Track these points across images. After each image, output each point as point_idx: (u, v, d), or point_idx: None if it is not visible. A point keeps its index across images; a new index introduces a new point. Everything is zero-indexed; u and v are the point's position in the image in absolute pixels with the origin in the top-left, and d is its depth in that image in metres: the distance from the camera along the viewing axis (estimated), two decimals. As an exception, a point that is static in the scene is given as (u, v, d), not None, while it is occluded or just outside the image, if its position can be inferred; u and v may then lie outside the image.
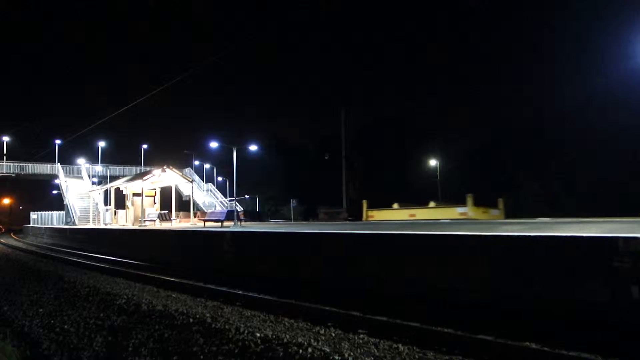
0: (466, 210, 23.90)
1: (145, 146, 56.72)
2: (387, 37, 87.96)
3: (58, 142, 49.92)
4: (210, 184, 52.58)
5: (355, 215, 31.48)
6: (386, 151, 52.42)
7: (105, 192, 35.87)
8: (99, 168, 50.92)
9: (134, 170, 52.43)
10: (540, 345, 5.38)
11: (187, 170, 51.94)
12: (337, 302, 7.76)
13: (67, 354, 7.28)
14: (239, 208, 35.06)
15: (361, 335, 5.98)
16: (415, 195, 37.00)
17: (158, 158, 54.40)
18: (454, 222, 17.37)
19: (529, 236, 6.85)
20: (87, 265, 15.30)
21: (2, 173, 47.99)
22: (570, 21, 52.41)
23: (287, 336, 5.81)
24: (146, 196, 29.45)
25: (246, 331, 6.08)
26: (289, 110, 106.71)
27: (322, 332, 6.27)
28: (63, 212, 45.16)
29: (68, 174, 48.48)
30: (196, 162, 56.73)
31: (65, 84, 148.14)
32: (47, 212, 49.82)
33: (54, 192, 58.10)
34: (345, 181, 35.34)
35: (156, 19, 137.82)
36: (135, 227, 25.54)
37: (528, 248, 6.69)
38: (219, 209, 41.69)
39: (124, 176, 44.56)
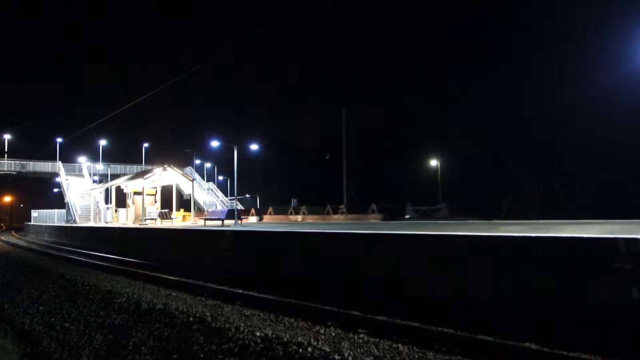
0: None
1: (146, 145, 56.84)
2: (388, 37, 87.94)
3: (59, 140, 49.99)
4: (211, 182, 52.61)
5: None
6: (386, 151, 52.42)
7: (106, 190, 35.92)
8: (100, 166, 50.96)
9: (135, 168, 52.45)
10: (540, 346, 5.38)
11: (188, 169, 51.97)
12: (338, 301, 7.76)
13: (67, 352, 7.29)
14: (240, 207, 35.06)
15: (361, 335, 5.98)
16: (416, 195, 36.93)
17: (159, 157, 54.51)
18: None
19: (530, 237, 6.85)
20: (88, 264, 15.31)
21: (3, 171, 48.04)
22: (571, 21, 52.38)
23: (287, 335, 5.81)
24: (147, 195, 29.49)
25: (246, 330, 6.08)
26: (290, 109, 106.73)
27: (322, 331, 6.27)
28: (64, 211, 45.20)
29: (69, 172, 48.54)
30: (197, 161, 56.75)
31: (65, 83, 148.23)
32: (48, 210, 49.87)
33: (55, 190, 58.14)
34: (346, 181, 35.32)
35: (156, 19, 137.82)
36: (136, 225, 25.58)
37: (528, 249, 6.69)
38: (219, 207, 41.72)
39: (125, 175, 44.61)
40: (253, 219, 32.69)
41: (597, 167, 35.77)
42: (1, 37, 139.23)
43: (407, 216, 26.32)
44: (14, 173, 48.76)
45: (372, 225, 16.31)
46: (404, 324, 6.32)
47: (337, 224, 20.54)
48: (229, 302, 8.36)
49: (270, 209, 33.01)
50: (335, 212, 27.17)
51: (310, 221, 26.29)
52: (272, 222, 27.04)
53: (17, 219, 79.28)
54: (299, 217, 28.62)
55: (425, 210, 26.86)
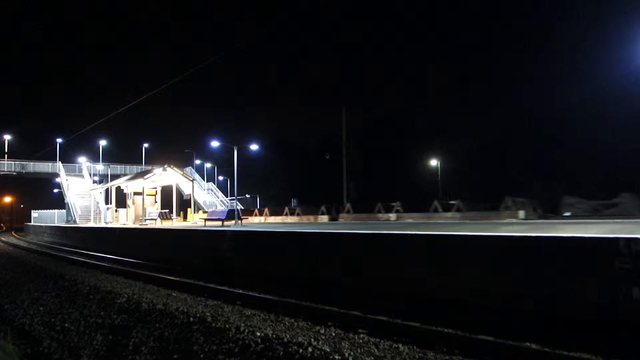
0: None
1: (146, 145, 56.85)
2: (388, 36, 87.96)
3: (59, 140, 49.98)
4: (211, 183, 52.62)
5: None
6: (386, 151, 52.43)
7: (107, 190, 35.92)
8: (100, 167, 50.97)
9: (135, 169, 52.46)
10: (541, 346, 5.38)
11: (188, 169, 51.99)
12: (338, 301, 7.76)
13: (67, 352, 7.29)
14: (240, 207, 35.00)
15: (361, 335, 5.98)
16: (417, 194, 36.94)
17: (159, 157, 54.51)
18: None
19: (530, 237, 6.85)
20: (88, 264, 15.31)
21: (4, 171, 48.05)
22: (570, 20, 52.44)
23: (288, 335, 5.81)
24: (147, 195, 29.48)
25: (246, 330, 6.08)
26: (290, 109, 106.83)
27: (322, 331, 6.27)
28: (64, 211, 45.23)
29: (69, 172, 48.55)
30: (197, 161, 56.80)
31: (65, 83, 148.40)
32: (48, 210, 49.91)
33: (55, 190, 58.14)
34: (346, 180, 35.29)
35: (156, 19, 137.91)
36: (136, 225, 25.58)
37: (529, 248, 6.68)
38: (219, 208, 41.72)
39: (125, 175, 44.62)
40: (324, 218, 27.30)
41: (598, 166, 35.81)
42: (2, 37, 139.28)
43: (566, 213, 19.69)
44: (14, 173, 48.78)
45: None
46: (404, 324, 6.31)
47: (461, 224, 14.86)
48: (229, 302, 8.36)
49: (348, 205, 27.49)
50: (446, 209, 21.80)
51: (410, 220, 21.36)
52: (351, 223, 22.01)
53: (17, 220, 79.36)
54: (392, 216, 23.58)
55: (595, 206, 20.11)
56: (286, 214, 30.87)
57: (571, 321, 5.91)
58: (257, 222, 29.23)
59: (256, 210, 34.50)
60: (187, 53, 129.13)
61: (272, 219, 30.99)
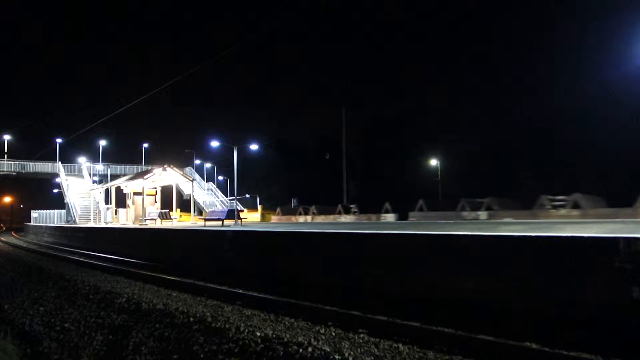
0: None
1: (146, 145, 56.85)
2: (388, 36, 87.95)
3: (59, 140, 49.94)
4: (211, 182, 52.58)
5: None
6: (386, 151, 52.46)
7: (106, 190, 35.91)
8: (99, 167, 50.94)
9: (135, 169, 52.43)
10: (540, 345, 5.37)
11: (188, 169, 51.94)
12: (338, 301, 7.76)
13: (67, 353, 7.29)
14: (240, 207, 34.95)
15: (361, 335, 5.98)
16: (416, 194, 36.93)
17: (159, 157, 54.50)
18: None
19: (530, 236, 6.84)
20: (88, 264, 15.31)
21: (3, 172, 48.02)
22: (570, 20, 52.52)
23: (288, 335, 5.81)
24: (147, 195, 29.48)
25: (246, 330, 6.08)
26: (290, 109, 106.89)
27: (322, 331, 6.27)
28: (64, 211, 45.19)
29: (69, 172, 48.52)
30: (197, 161, 56.76)
31: (65, 84, 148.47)
32: (48, 210, 49.86)
33: (55, 190, 58.13)
34: (346, 180, 35.27)
35: (157, 19, 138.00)
36: (136, 225, 25.57)
37: (529, 248, 6.68)
38: (219, 208, 41.68)
39: (124, 175, 44.61)
40: (389, 216, 24.00)
41: (597, 166, 35.83)
42: (2, 37, 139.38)
43: None
44: (14, 174, 48.75)
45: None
46: (404, 324, 6.31)
47: (591, 223, 11.96)
48: (229, 302, 8.36)
49: (420, 202, 23.42)
50: (556, 206, 18.20)
51: (510, 220, 17.70)
52: (425, 222, 18.33)
53: (17, 220, 79.36)
54: (482, 214, 20.43)
55: None
56: (339, 213, 27.46)
57: (571, 321, 5.91)
58: (302, 221, 27.35)
59: (300, 209, 31.17)
60: (187, 53, 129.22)
61: (321, 219, 27.79)
